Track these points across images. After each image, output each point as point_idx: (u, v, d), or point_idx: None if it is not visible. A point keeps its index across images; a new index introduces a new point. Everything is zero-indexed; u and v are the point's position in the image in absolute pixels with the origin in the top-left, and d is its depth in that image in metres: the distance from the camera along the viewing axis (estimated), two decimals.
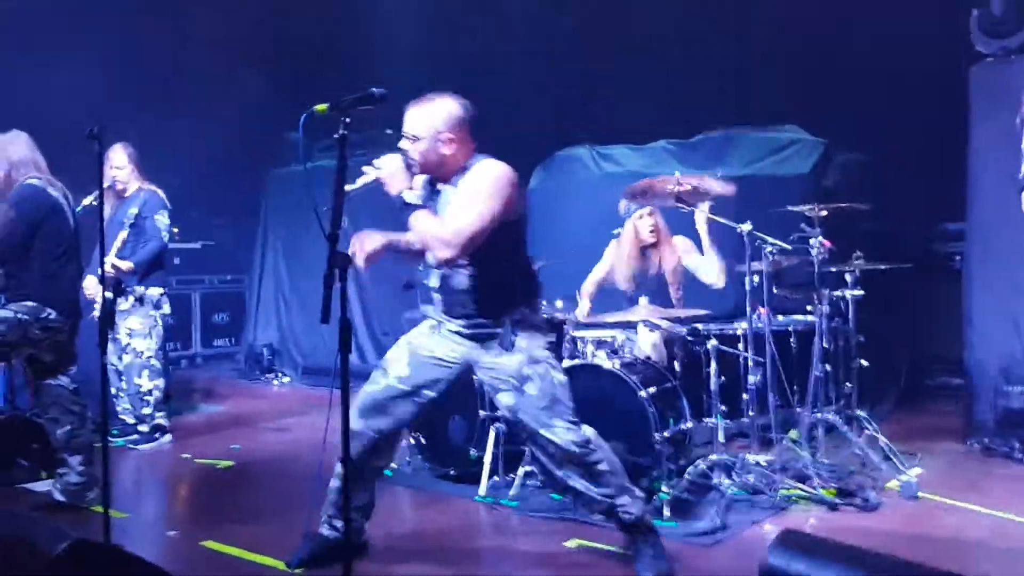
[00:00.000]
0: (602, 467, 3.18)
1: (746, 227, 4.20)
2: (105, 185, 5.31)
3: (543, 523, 3.89)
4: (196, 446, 5.50)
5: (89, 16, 7.00)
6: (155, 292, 5.49)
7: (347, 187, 3.00)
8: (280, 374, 8.35)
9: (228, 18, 7.81)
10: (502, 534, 3.88)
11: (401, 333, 3.54)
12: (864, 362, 4.84)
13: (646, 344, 4.64)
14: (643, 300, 4.52)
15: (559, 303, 4.64)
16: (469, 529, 3.95)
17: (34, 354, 4.10)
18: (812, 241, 4.42)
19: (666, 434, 3.98)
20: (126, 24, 7.40)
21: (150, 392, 5.45)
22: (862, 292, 4.76)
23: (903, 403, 6.06)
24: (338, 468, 3.30)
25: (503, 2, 7.95)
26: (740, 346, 4.41)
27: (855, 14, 6.43)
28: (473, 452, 4.42)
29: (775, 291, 4.49)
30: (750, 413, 4.31)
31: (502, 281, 3.17)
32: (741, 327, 4.42)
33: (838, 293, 4.75)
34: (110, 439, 5.22)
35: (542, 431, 3.15)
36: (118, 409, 5.47)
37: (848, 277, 4.75)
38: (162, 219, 5.48)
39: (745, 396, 4.32)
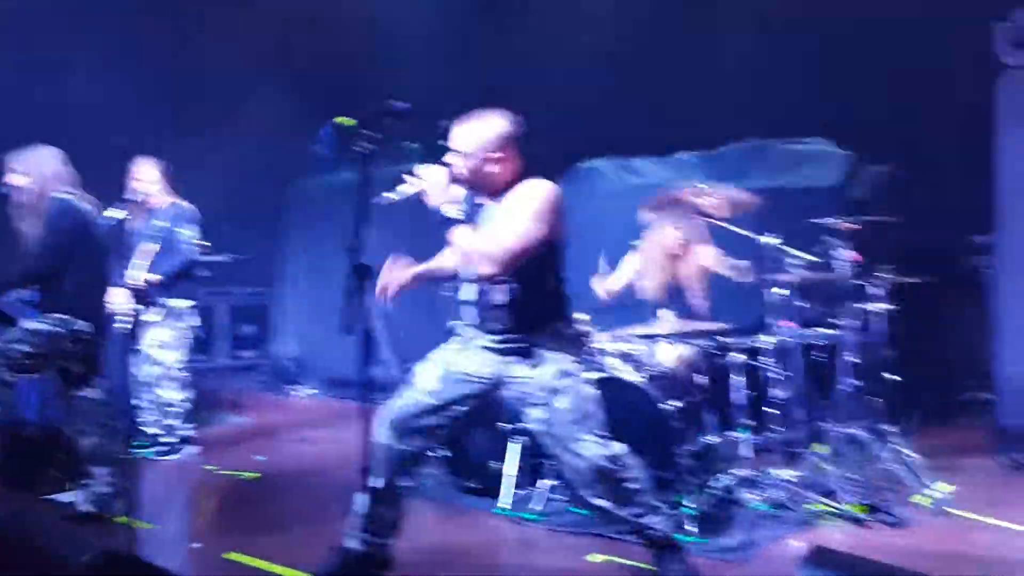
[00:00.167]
0: (631, 485, 3.16)
1: (771, 240, 4.17)
2: (135, 199, 5.44)
3: (566, 537, 3.88)
4: (221, 458, 5.52)
5: (113, 32, 7.10)
6: (183, 304, 5.54)
7: (387, 195, 3.02)
8: (305, 386, 8.39)
9: (252, 32, 7.89)
10: (525, 548, 3.87)
11: (423, 344, 3.54)
12: (892, 376, 4.78)
13: (670, 357, 4.62)
14: (668, 313, 4.50)
15: (583, 316, 4.63)
16: (492, 543, 3.94)
17: (64, 366, 4.15)
18: (839, 254, 4.39)
19: (691, 448, 3.95)
20: (151, 41, 7.50)
21: (176, 404, 5.49)
22: (891, 306, 4.70)
23: (932, 417, 5.95)
24: (368, 482, 3.29)
25: (524, 15, 7.97)
26: (766, 360, 4.38)
27: (881, 24, 6.38)
28: (494, 465, 4.41)
29: (801, 304, 4.45)
30: (776, 427, 4.27)
31: (537, 298, 3.17)
32: (768, 340, 4.39)
33: (866, 306, 4.70)
34: (136, 451, 5.31)
35: (572, 446, 3.13)
36: (144, 421, 5.51)
37: (877, 290, 4.71)
38: (191, 233, 5.54)
39: (771, 410, 4.28)
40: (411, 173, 3.17)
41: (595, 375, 4.20)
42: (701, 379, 4.46)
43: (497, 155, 3.16)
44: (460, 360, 3.29)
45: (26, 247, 4.09)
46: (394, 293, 3.32)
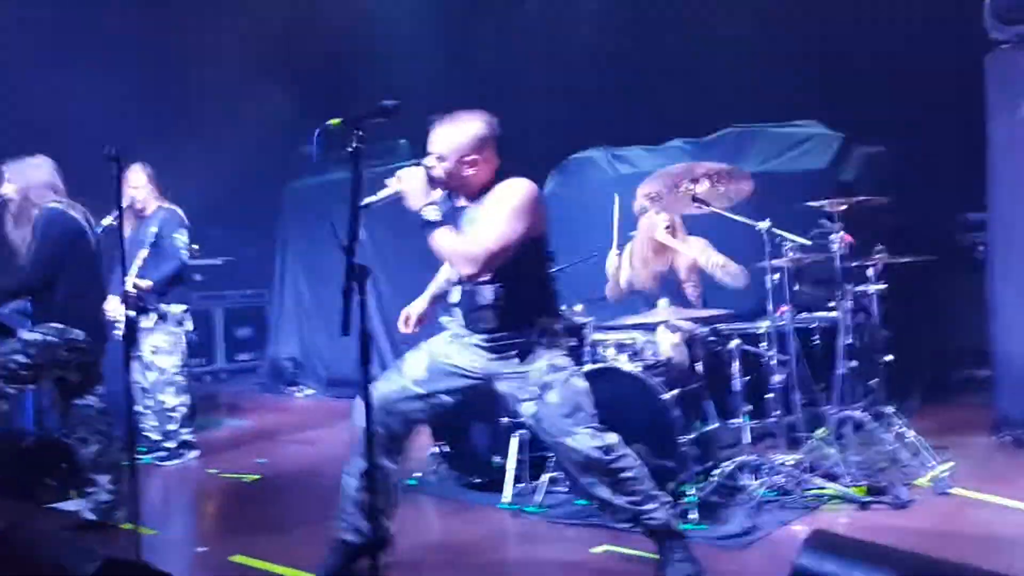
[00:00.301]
0: (627, 474, 3.17)
1: (765, 225, 4.17)
2: (124, 205, 5.40)
3: (569, 529, 3.88)
4: (222, 461, 5.53)
5: (104, 35, 7.06)
6: (177, 309, 5.52)
7: (367, 199, 3.01)
8: (304, 387, 8.39)
9: (244, 35, 7.86)
10: (528, 541, 3.87)
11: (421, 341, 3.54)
12: (890, 357, 4.78)
13: (667, 346, 4.61)
14: (663, 301, 4.50)
15: (578, 307, 4.63)
16: (495, 537, 3.94)
17: (62, 375, 4.14)
18: (833, 236, 4.39)
19: (691, 436, 3.95)
20: (141, 43, 7.46)
21: (175, 409, 5.48)
22: (885, 286, 4.71)
23: (930, 397, 5.98)
24: (346, 470, 3.28)
25: (517, 8, 7.96)
26: (763, 345, 4.38)
27: (870, 5, 6.38)
28: (497, 460, 4.41)
29: (797, 288, 4.45)
30: (776, 413, 4.27)
31: (524, 295, 3.18)
32: (764, 326, 4.39)
33: (861, 288, 4.70)
34: (137, 457, 5.30)
35: (565, 439, 3.15)
36: (144, 427, 5.50)
37: (870, 271, 4.71)
38: (181, 237, 5.51)
39: (770, 395, 4.28)
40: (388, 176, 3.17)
41: (592, 366, 4.22)
42: (699, 366, 4.46)
43: (473, 157, 3.15)
44: (451, 353, 3.29)
45: (17, 258, 4.08)
46: (416, 322, 3.51)
